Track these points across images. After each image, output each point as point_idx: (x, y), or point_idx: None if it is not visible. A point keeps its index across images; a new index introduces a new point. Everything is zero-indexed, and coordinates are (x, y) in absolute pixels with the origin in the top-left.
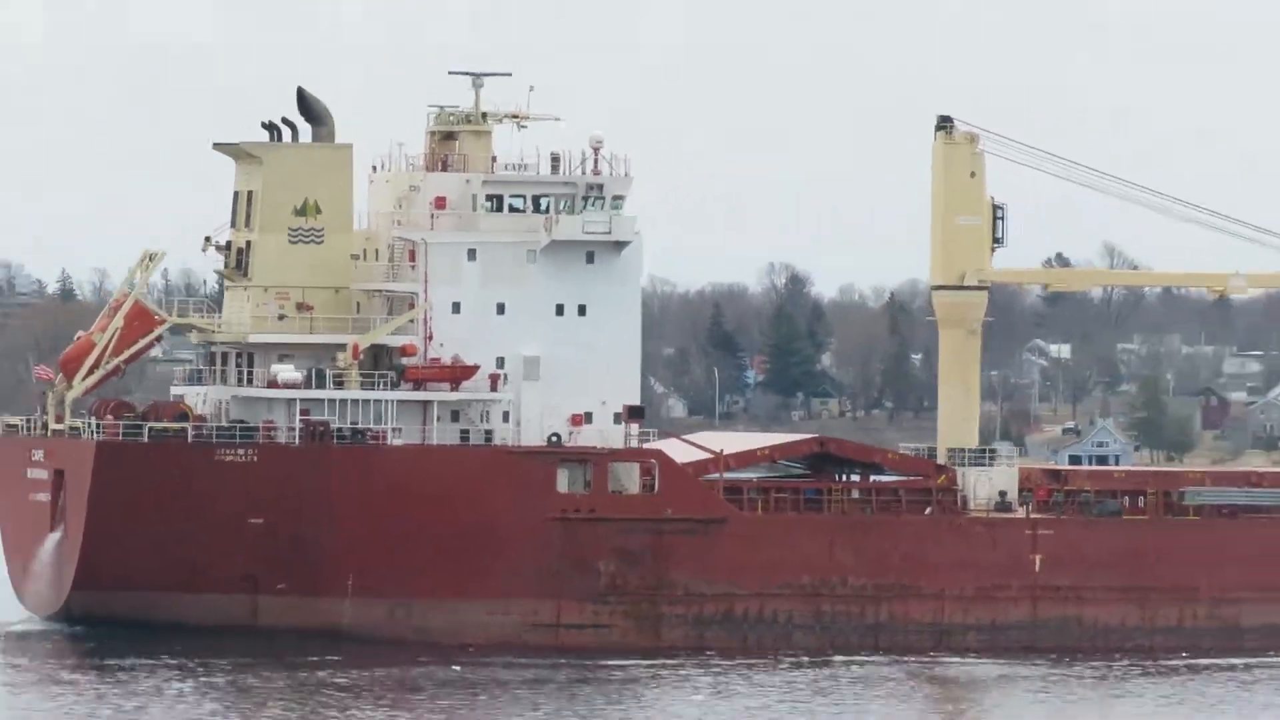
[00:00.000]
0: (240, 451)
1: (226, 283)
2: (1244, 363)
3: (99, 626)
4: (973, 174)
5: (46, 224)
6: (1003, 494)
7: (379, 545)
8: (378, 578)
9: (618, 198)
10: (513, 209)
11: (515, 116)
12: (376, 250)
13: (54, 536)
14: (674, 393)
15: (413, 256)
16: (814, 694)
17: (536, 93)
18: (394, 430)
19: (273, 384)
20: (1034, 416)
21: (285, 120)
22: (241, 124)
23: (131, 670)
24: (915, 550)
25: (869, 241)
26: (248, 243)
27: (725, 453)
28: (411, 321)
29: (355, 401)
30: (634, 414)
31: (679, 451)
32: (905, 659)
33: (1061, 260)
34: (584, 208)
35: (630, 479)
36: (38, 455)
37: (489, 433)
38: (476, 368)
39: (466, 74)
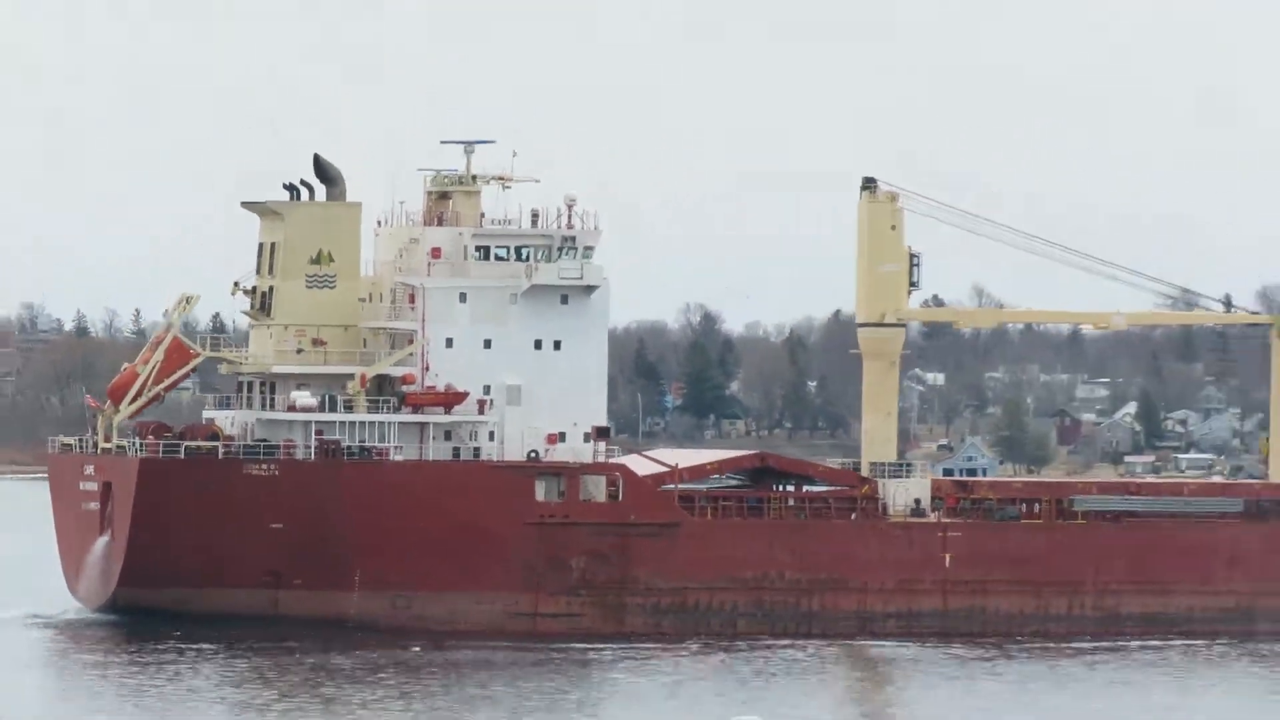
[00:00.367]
0: (264, 466)
1: (251, 321)
2: (1094, 388)
3: (141, 617)
4: (893, 227)
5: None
6: (918, 501)
7: (383, 546)
8: (381, 574)
9: (588, 248)
10: (498, 258)
11: (500, 179)
12: (381, 293)
13: (103, 540)
14: None
15: (412, 299)
16: (753, 674)
17: (518, 157)
18: (396, 448)
19: (292, 408)
20: (913, 435)
21: (304, 182)
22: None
23: (168, 653)
24: (843, 550)
25: (774, 284)
26: (270, 287)
27: (680, 466)
28: (411, 355)
29: (363, 423)
30: (601, 434)
31: (640, 465)
32: (834, 643)
33: (938, 301)
34: (559, 257)
35: (598, 489)
36: (89, 470)
37: (477, 450)
38: (466, 394)
39: (458, 142)
